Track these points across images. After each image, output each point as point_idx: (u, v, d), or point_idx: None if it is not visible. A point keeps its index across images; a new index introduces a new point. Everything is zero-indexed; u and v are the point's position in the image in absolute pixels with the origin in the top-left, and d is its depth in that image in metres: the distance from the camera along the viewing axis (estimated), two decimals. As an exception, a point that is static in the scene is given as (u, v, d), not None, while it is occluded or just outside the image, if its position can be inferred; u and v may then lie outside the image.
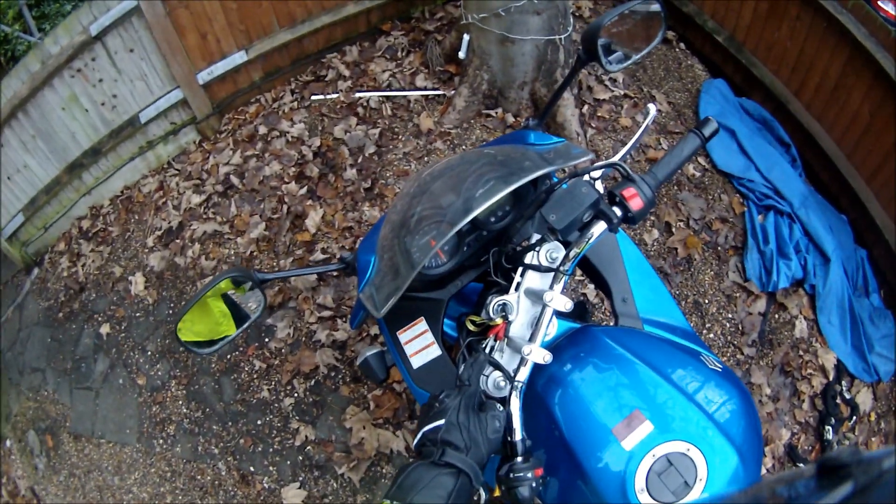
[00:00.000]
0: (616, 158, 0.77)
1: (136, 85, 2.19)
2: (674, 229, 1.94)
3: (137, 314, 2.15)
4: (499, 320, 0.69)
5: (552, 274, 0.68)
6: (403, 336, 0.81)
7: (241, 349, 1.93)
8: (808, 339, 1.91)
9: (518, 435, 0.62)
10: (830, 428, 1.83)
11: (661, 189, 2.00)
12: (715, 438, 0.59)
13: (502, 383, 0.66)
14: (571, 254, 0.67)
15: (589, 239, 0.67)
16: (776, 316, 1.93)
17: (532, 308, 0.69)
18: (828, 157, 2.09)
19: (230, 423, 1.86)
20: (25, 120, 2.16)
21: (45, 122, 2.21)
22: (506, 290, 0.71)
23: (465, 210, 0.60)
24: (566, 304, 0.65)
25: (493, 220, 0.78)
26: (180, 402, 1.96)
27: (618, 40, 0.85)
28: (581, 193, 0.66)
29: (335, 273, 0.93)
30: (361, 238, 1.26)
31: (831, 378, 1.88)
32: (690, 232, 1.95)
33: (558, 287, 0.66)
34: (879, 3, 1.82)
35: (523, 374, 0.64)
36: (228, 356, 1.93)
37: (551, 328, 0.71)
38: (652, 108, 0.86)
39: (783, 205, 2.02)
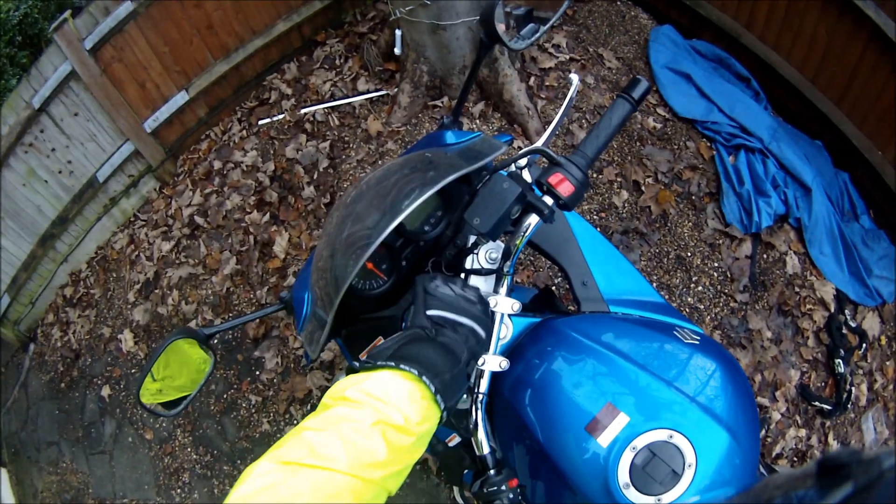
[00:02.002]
0: (540, 143, 0.73)
1: (88, 146, 2.20)
2: (643, 187, 1.89)
3: (132, 370, 2.16)
4: None
5: (495, 276, 0.65)
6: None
7: (236, 386, 1.93)
8: (803, 273, 1.86)
9: (486, 448, 0.60)
10: (840, 360, 1.78)
11: (618, 148, 1.95)
12: (698, 419, 0.55)
13: (464, 396, 0.63)
14: (509, 252, 0.64)
15: (524, 234, 0.63)
16: (765, 256, 1.88)
17: None
18: (791, 85, 2.02)
19: (239, 462, 1.87)
20: (-9, 202, 2.17)
21: (9, 200, 2.22)
22: None
23: (387, 223, 0.58)
24: (513, 306, 0.63)
25: (426, 229, 0.75)
26: (189, 450, 1.97)
27: (531, 14, 0.80)
28: (503, 190, 0.61)
29: (276, 314, 0.91)
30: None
31: (833, 309, 1.83)
32: (661, 186, 1.90)
33: (503, 289, 0.64)
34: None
35: (483, 385, 0.61)
36: (225, 395, 1.94)
37: (505, 331, 0.68)
38: (574, 77, 0.79)
39: (752, 141, 1.96)
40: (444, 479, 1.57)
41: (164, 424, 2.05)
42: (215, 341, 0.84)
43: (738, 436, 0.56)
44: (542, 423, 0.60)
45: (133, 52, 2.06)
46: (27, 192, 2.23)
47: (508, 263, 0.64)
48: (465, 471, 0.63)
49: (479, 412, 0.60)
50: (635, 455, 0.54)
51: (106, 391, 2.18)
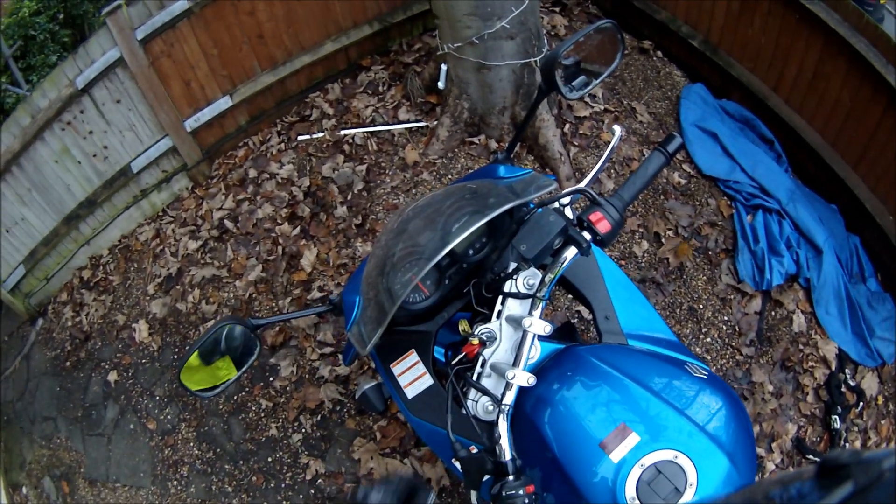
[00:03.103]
0: (583, 184, 0.80)
1: (126, 135, 2.23)
2: (663, 239, 1.95)
3: (143, 360, 2.18)
4: (475, 341, 0.72)
5: (531, 300, 0.71)
6: (396, 368, 0.83)
7: (247, 389, 1.96)
8: (808, 332, 1.92)
9: (508, 455, 0.64)
10: (837, 417, 1.83)
11: (642, 201, 2.02)
12: (702, 444, 0.61)
13: (490, 407, 0.70)
14: (546, 279, 0.70)
15: (562, 264, 0.70)
16: (773, 313, 1.94)
17: (514, 334, 0.73)
18: (812, 148, 2.10)
19: (241, 462, 1.89)
20: (20, 173, 2.19)
21: (39, 175, 2.24)
22: (489, 319, 0.74)
23: (441, 244, 0.63)
24: (545, 328, 0.69)
25: (471, 252, 0.81)
26: (191, 444, 1.99)
27: (579, 65, 0.85)
28: (549, 222, 0.69)
29: (324, 314, 0.97)
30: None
31: (834, 368, 1.89)
32: (680, 239, 1.96)
33: (537, 312, 0.70)
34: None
35: (509, 398, 0.67)
36: (235, 397, 1.96)
37: (534, 351, 0.74)
38: (617, 129, 0.88)
39: (771, 202, 2.03)
40: (463, 484, 1.60)
41: (168, 416, 2.07)
42: (261, 331, 0.88)
43: (738, 464, 0.61)
44: (559, 439, 0.65)
45: (182, 49, 2.10)
46: (58, 169, 2.24)
47: (544, 290, 0.70)
48: (486, 477, 0.68)
49: (505, 422, 0.66)
50: (643, 472, 0.59)
51: (113, 376, 2.20)
